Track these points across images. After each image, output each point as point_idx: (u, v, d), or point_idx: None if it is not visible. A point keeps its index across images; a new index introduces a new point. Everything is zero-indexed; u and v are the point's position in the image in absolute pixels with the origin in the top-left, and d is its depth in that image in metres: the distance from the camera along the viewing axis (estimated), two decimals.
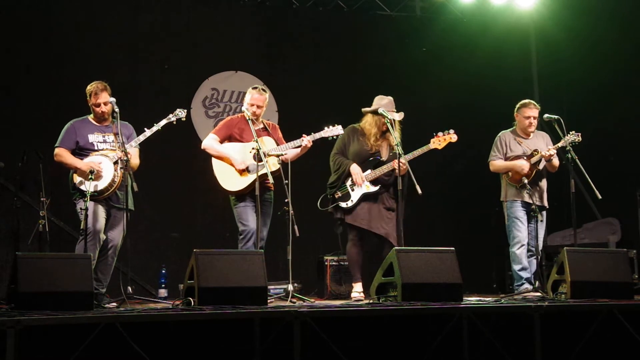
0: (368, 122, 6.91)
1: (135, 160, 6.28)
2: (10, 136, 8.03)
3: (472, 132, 8.37)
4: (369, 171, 6.82)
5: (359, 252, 6.88)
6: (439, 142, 6.88)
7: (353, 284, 6.89)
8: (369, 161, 6.83)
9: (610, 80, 9.05)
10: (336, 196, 6.86)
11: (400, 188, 6.50)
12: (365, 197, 6.78)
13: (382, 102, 6.88)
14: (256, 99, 6.67)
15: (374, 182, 6.79)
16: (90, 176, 6.00)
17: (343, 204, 6.81)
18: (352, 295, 6.83)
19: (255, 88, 6.74)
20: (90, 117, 6.38)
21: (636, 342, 5.37)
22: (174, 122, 6.50)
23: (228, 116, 7.72)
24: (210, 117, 8.98)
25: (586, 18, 9.14)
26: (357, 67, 9.45)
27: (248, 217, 6.50)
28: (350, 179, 6.82)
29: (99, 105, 6.24)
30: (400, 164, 6.52)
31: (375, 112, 6.82)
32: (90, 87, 6.29)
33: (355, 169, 6.80)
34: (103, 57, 8.42)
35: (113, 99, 6.24)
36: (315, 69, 9.45)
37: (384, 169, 6.74)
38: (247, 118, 6.53)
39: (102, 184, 6.09)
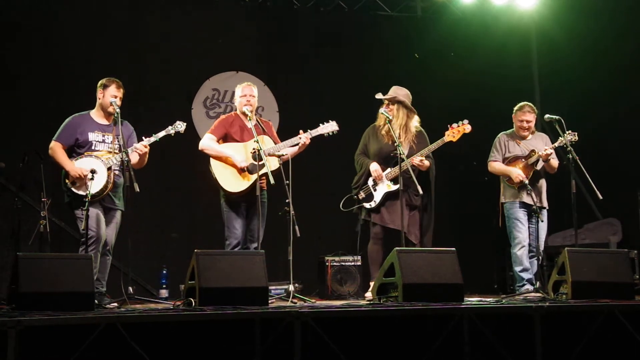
0: (379, 117, 6.93)
1: (134, 160, 6.30)
2: (11, 137, 8.04)
3: (472, 132, 8.36)
4: (389, 169, 6.80)
5: (379, 250, 6.85)
6: (453, 134, 6.83)
7: (370, 283, 6.85)
8: (390, 158, 6.80)
9: (611, 79, 9.04)
10: (360, 197, 6.87)
11: (401, 188, 6.49)
12: (388, 196, 6.77)
13: (400, 92, 6.90)
14: (245, 89, 6.72)
15: (394, 180, 6.76)
16: (91, 176, 5.99)
17: (367, 205, 6.83)
18: (366, 295, 6.79)
19: (241, 84, 6.79)
20: (92, 113, 6.34)
21: (637, 342, 5.36)
22: (172, 135, 6.44)
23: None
24: (211, 117, 8.96)
25: (587, 18, 9.13)
26: (358, 67, 9.44)
27: (235, 224, 6.54)
28: (371, 178, 6.82)
29: (115, 97, 6.22)
30: (419, 161, 6.58)
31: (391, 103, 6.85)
32: (108, 80, 6.28)
33: (374, 167, 6.81)
34: (104, 57, 8.42)
35: (114, 99, 6.23)
36: (316, 69, 9.44)
37: (404, 166, 6.64)
38: (246, 114, 6.54)
39: (94, 189, 6.02)
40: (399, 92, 6.93)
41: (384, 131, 6.88)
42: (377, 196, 6.81)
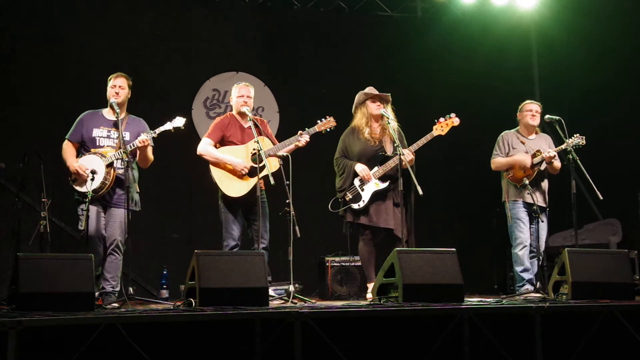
0: (357, 118, 6.90)
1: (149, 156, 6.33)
2: (11, 137, 8.05)
3: (473, 133, 8.37)
4: (376, 168, 6.75)
5: (370, 251, 6.80)
6: (441, 128, 6.79)
7: (367, 285, 6.82)
8: (375, 157, 6.78)
9: (611, 80, 9.05)
10: (347, 198, 6.77)
11: (401, 188, 6.46)
12: (376, 195, 6.74)
13: (365, 91, 6.88)
14: (242, 89, 6.69)
15: (382, 178, 6.73)
16: (92, 177, 6.00)
17: (355, 206, 6.73)
18: (368, 296, 6.77)
19: (237, 84, 6.76)
20: (105, 111, 6.36)
21: (637, 343, 5.36)
22: (172, 130, 6.41)
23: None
24: (211, 118, 8.96)
25: (587, 18, 9.14)
26: (358, 67, 9.45)
27: (233, 226, 6.53)
28: (357, 178, 6.77)
29: (114, 86, 6.25)
30: (406, 156, 6.48)
31: (358, 104, 6.86)
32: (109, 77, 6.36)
33: (360, 167, 6.74)
34: (104, 57, 8.42)
35: (114, 100, 6.22)
36: (317, 70, 9.45)
37: (391, 164, 6.66)
38: (245, 114, 6.53)
39: (93, 185, 6.03)
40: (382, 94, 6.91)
41: (367, 132, 6.82)
42: (365, 196, 6.73)
